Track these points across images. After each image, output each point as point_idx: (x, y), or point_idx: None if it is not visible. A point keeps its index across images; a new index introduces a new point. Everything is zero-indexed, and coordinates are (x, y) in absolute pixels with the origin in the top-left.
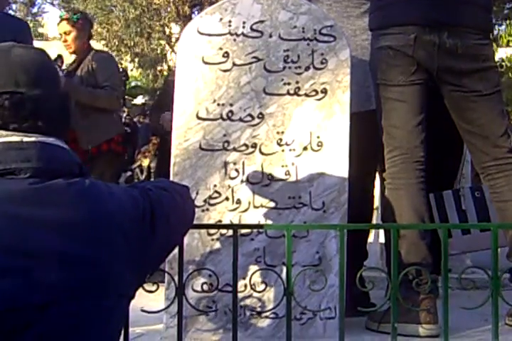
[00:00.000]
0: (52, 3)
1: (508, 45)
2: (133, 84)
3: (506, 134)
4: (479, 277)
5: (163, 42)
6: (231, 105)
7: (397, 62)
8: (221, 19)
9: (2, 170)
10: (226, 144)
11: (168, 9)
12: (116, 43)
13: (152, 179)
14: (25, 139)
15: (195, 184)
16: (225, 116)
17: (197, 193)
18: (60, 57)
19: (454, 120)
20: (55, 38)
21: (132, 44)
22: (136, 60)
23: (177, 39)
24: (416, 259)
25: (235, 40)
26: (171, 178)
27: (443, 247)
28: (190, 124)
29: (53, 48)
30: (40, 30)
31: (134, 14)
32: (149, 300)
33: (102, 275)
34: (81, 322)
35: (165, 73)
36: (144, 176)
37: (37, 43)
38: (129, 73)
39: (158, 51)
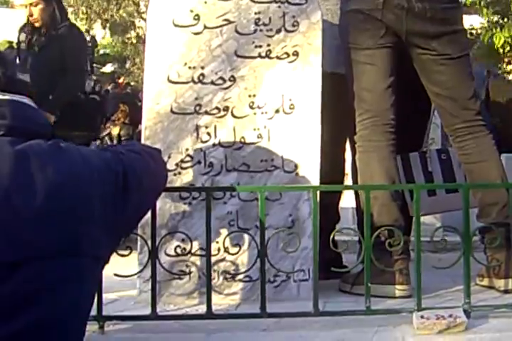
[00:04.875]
0: None
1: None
2: (101, 52)
3: (475, 97)
4: (450, 239)
5: (132, 8)
6: (202, 68)
7: (366, 26)
8: None
9: None
10: (198, 107)
11: None
12: (85, 10)
13: None
14: (0, 97)
15: (167, 148)
16: (196, 80)
17: (169, 157)
18: (28, 24)
19: (423, 83)
20: (21, 6)
21: (101, 11)
22: (106, 27)
23: (146, 6)
24: (388, 221)
25: (205, 2)
26: (143, 142)
27: (415, 208)
28: (161, 88)
29: (20, 16)
30: None
31: None
32: (122, 266)
33: (77, 236)
34: (53, 281)
35: (133, 40)
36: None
37: (2, 11)
38: (98, 41)
39: (127, 18)
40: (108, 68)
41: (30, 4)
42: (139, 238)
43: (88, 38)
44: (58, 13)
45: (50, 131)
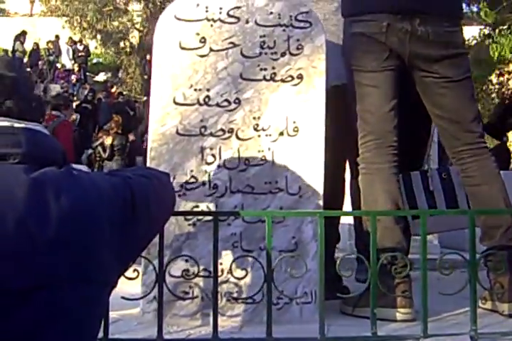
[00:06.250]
0: None
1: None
2: (95, 61)
3: (477, 119)
4: (448, 258)
5: (125, 19)
6: (208, 90)
7: (370, 49)
8: (198, 5)
9: None
10: (203, 129)
11: None
12: (79, 20)
13: (116, 157)
14: (16, 125)
15: (171, 169)
16: (201, 102)
17: (174, 178)
18: (23, 33)
19: (426, 106)
20: (16, 14)
21: (94, 21)
22: (99, 36)
23: (140, 16)
24: (391, 244)
25: (211, 25)
26: (148, 163)
27: (422, 234)
28: (167, 109)
29: (16, 24)
30: (1, 6)
31: None
32: (123, 284)
33: (88, 263)
34: (64, 308)
35: (127, 50)
36: (106, 154)
37: None
38: (91, 50)
39: (120, 28)
40: (101, 77)
41: None
42: (142, 259)
43: (81, 48)
44: None
45: (63, 157)
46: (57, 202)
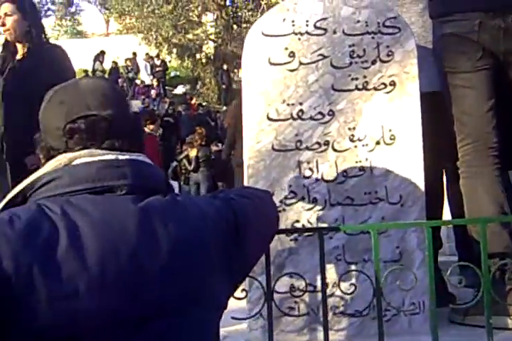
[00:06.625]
0: (89, 1)
1: None
2: (172, 74)
3: None
4: None
5: (199, 31)
6: (301, 104)
7: (462, 49)
8: (284, 19)
9: (101, 188)
10: (298, 143)
11: None
12: (154, 36)
13: (201, 169)
14: (120, 157)
15: (270, 185)
16: (295, 116)
17: (272, 194)
18: (102, 52)
19: None
20: (93, 34)
21: (170, 35)
22: (174, 50)
23: (212, 27)
24: (499, 248)
25: (299, 39)
26: (245, 180)
27: None
28: (261, 126)
29: (93, 44)
30: (79, 28)
31: (167, 9)
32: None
33: (198, 290)
34: (179, 336)
35: (203, 61)
36: (192, 166)
37: (76, 41)
38: (168, 64)
39: (195, 40)
40: (179, 90)
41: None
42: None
43: (158, 63)
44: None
45: (166, 184)
46: (164, 231)
